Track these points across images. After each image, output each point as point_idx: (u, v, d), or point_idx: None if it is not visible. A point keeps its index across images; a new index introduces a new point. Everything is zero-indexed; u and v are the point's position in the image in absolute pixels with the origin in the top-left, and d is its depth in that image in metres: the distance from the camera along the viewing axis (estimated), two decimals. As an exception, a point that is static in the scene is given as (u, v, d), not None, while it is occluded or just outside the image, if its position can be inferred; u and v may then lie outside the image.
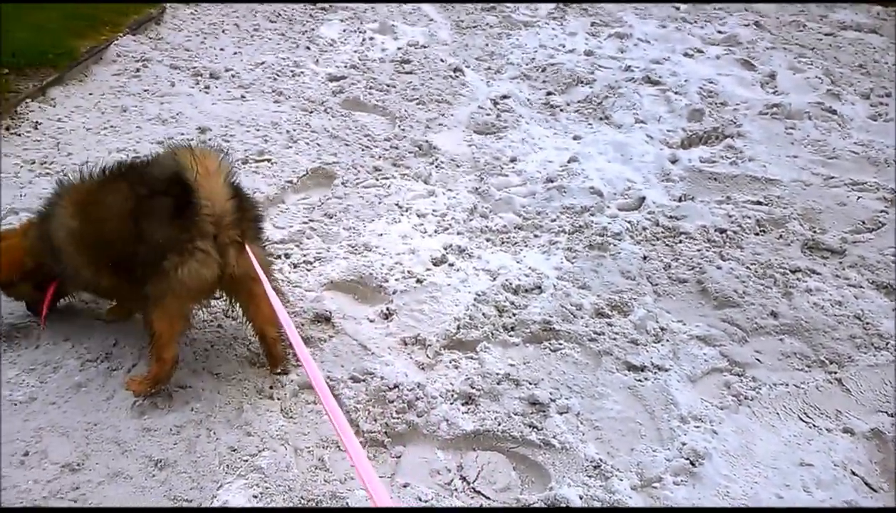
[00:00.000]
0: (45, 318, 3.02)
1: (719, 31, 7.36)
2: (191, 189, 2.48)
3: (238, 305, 2.90)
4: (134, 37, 6.10)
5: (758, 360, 3.16)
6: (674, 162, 4.76)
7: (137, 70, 5.58)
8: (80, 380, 2.83)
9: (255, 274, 2.61)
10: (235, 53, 6.15)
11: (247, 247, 2.64)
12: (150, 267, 2.58)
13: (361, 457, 1.59)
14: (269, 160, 4.56)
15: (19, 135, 4.55)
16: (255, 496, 2.41)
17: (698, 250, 3.84)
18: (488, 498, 2.49)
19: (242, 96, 5.39)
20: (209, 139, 4.68)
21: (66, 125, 4.71)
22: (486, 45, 6.86)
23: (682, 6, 8.09)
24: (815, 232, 4.01)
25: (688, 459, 2.59)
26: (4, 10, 5.96)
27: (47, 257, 2.86)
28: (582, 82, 6.02)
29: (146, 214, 2.58)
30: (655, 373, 3.01)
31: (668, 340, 3.21)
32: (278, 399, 2.84)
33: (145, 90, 5.29)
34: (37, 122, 4.69)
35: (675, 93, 5.75)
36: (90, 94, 5.18)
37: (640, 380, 2.98)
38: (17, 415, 2.67)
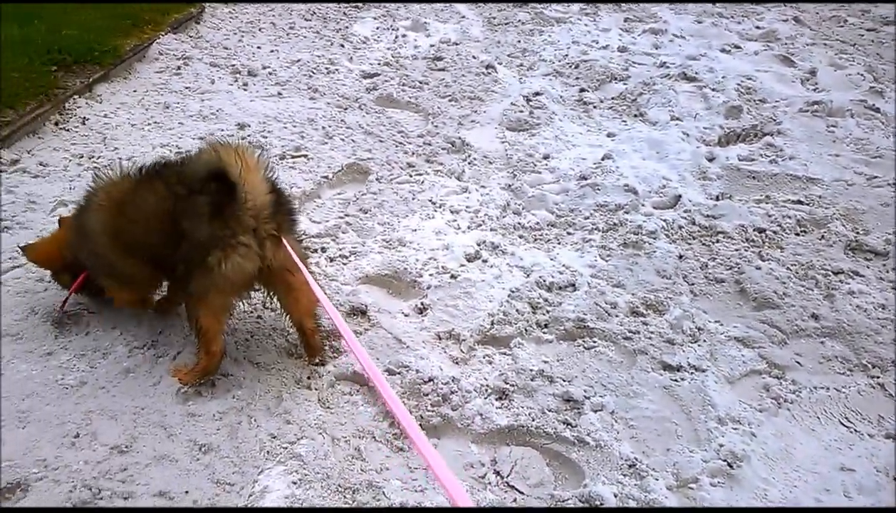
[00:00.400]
0: (65, 303, 3.16)
1: (757, 27, 7.26)
2: (234, 184, 2.54)
3: (276, 297, 2.96)
4: (175, 35, 6.23)
5: (798, 363, 3.12)
6: (711, 160, 4.71)
7: (179, 68, 5.71)
8: (129, 366, 2.92)
9: (291, 266, 2.69)
10: (272, 51, 6.24)
11: (283, 240, 2.70)
12: (193, 264, 2.64)
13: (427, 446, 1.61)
14: (305, 156, 4.62)
15: (68, 130, 4.69)
16: (294, 483, 2.46)
17: (736, 250, 3.80)
18: (522, 493, 2.50)
19: (279, 93, 5.47)
20: (248, 135, 4.76)
21: (111, 121, 4.84)
22: (519, 41, 6.86)
23: (719, 1, 7.99)
24: (857, 233, 3.94)
25: (725, 460, 2.57)
26: (54, 10, 6.14)
27: (80, 249, 2.96)
28: (616, 79, 5.99)
29: (187, 213, 2.64)
30: (692, 373, 3.00)
31: (705, 341, 3.19)
32: (316, 389, 2.89)
33: (186, 87, 5.41)
34: (84, 117, 4.82)
35: (712, 89, 5.69)
36: (134, 91, 5.31)
37: (676, 380, 2.97)
38: (69, 398, 2.77)
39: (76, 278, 3.09)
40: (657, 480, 2.50)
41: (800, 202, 4.25)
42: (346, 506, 2.41)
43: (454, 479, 1.54)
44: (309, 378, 2.93)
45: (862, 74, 6.02)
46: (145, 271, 2.92)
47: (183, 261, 2.68)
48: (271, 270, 2.73)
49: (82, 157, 4.40)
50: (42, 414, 2.70)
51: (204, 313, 2.73)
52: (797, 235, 3.97)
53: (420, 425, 2.72)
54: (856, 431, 2.79)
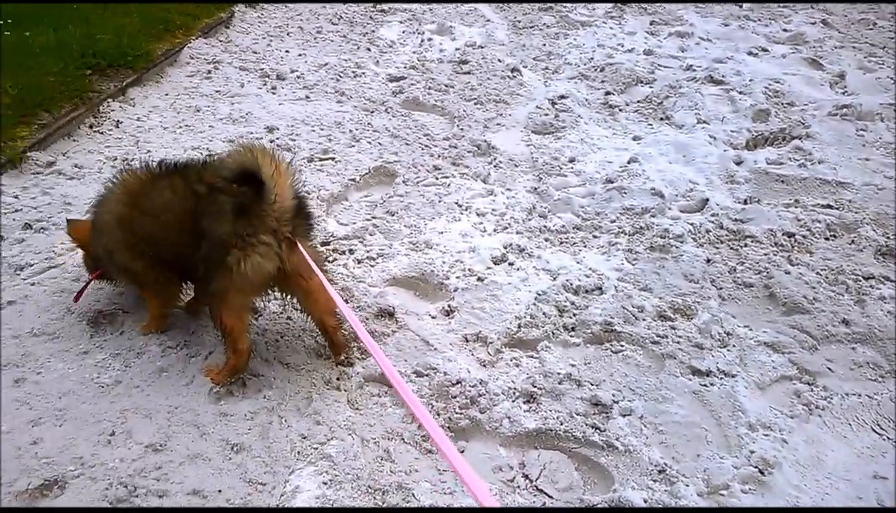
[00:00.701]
0: (82, 292, 3.22)
1: (784, 30, 7.19)
2: (265, 184, 2.59)
3: (294, 300, 3.02)
4: (205, 40, 6.33)
5: (829, 369, 3.09)
6: (739, 163, 4.68)
7: (209, 72, 5.79)
8: (162, 365, 2.98)
9: (305, 271, 2.75)
10: (300, 55, 6.31)
11: (298, 244, 2.75)
12: (213, 264, 2.70)
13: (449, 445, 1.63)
14: (332, 159, 4.67)
15: (102, 132, 4.78)
16: (325, 483, 2.49)
17: (765, 254, 3.77)
18: (551, 497, 2.51)
19: (307, 97, 5.53)
20: (277, 138, 4.82)
21: (144, 124, 4.93)
22: (544, 45, 6.86)
23: (746, 4, 7.93)
24: (888, 238, 3.90)
25: (756, 467, 2.56)
26: (90, 14, 6.26)
27: (96, 241, 3.05)
28: (641, 82, 5.97)
29: (207, 212, 2.70)
30: (721, 379, 2.99)
31: (734, 346, 3.17)
32: (345, 391, 2.92)
33: (217, 91, 5.48)
34: (118, 120, 4.92)
35: (740, 92, 5.66)
36: (166, 94, 5.40)
37: (705, 385, 2.96)
38: (105, 397, 2.83)
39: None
40: (687, 486, 2.49)
41: (829, 206, 4.21)
42: (374, 506, 2.43)
43: (476, 475, 1.57)
44: (338, 379, 2.97)
45: (891, 78, 5.95)
46: (155, 273, 2.99)
47: (203, 260, 2.74)
48: (287, 274, 2.78)
49: (116, 159, 4.49)
50: (78, 412, 2.76)
51: (226, 313, 2.78)
52: (827, 239, 3.94)
53: (448, 427, 2.75)
54: (888, 438, 2.76)
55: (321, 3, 7.53)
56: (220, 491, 2.48)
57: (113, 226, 2.95)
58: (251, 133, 4.87)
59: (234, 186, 2.63)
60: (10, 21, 5.98)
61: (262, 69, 5.90)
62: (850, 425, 2.82)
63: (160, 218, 2.84)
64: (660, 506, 2.44)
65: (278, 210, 2.65)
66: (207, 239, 2.69)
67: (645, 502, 2.44)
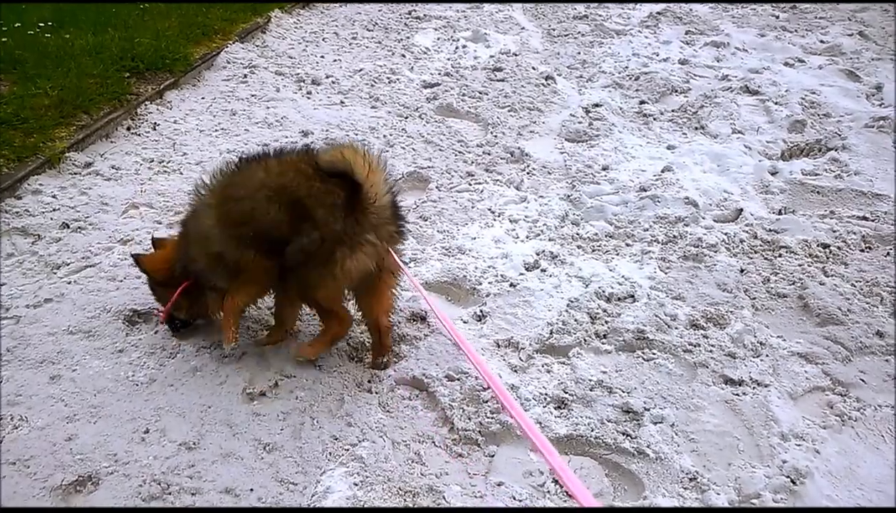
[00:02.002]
0: (167, 314, 3.14)
1: (821, 41, 7.10)
2: (360, 184, 2.64)
3: (357, 294, 3.01)
4: (242, 44, 6.45)
5: (862, 380, 3.05)
6: (774, 174, 4.63)
7: (245, 76, 5.90)
8: (196, 364, 3.04)
9: (395, 268, 2.86)
10: (335, 61, 6.39)
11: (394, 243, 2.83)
12: (316, 256, 2.70)
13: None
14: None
15: (139, 135, 4.89)
16: (356, 484, 2.51)
17: (799, 265, 3.73)
18: (581, 503, 2.50)
19: (342, 102, 5.59)
20: (311, 142, 4.88)
21: (181, 127, 5.03)
22: (578, 53, 6.86)
23: (782, 15, 7.85)
24: (925, 251, 3.83)
25: (788, 477, 2.53)
26: (130, 17, 6.41)
27: (192, 256, 2.94)
28: (676, 91, 5.94)
29: (324, 202, 2.67)
30: (754, 388, 2.95)
31: (767, 356, 3.14)
32: (376, 393, 2.94)
33: (252, 95, 5.58)
34: (155, 123, 5.03)
35: (775, 103, 5.60)
36: (202, 98, 5.51)
37: (737, 394, 2.93)
38: (139, 395, 2.88)
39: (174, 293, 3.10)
40: (718, 494, 2.47)
41: (865, 218, 4.15)
42: (405, 506, 2.45)
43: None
44: (369, 382, 2.99)
45: (930, 89, 5.83)
46: (259, 261, 2.82)
47: (303, 251, 2.71)
48: (378, 272, 2.83)
49: (153, 161, 4.58)
50: (113, 410, 2.82)
51: (324, 296, 2.87)
52: (862, 251, 3.88)
53: (479, 431, 2.75)
54: (923, 451, 2.71)
55: (358, 3, 7.59)
56: (251, 490, 2.51)
57: (212, 225, 2.83)
58: (286, 137, 4.95)
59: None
60: (50, 23, 6.15)
61: (298, 74, 5.98)
62: (883, 436, 2.77)
63: (255, 197, 2.74)
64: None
65: (378, 208, 2.71)
66: (318, 230, 2.67)
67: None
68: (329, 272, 2.70)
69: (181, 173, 4.47)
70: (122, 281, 3.53)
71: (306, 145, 3.03)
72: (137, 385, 2.94)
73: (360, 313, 3.08)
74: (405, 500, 2.47)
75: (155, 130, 4.97)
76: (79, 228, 3.92)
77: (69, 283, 3.52)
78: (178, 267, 3.03)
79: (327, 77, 5.96)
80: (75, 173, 4.41)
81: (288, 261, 2.77)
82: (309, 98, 5.62)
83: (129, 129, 4.94)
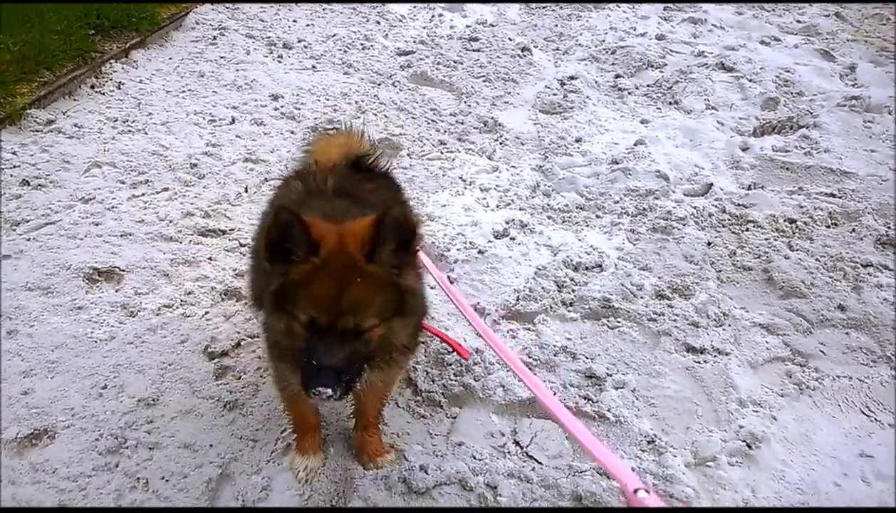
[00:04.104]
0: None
1: (798, 21, 7.14)
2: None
3: None
4: (212, 6, 6.31)
5: (822, 352, 3.09)
6: (745, 150, 4.66)
7: (214, 38, 5.77)
8: (156, 323, 2.99)
9: None
10: (308, 25, 6.27)
11: None
12: None
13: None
14: (337, 130, 4.65)
15: (103, 93, 4.77)
16: (322, 439, 2.49)
17: (766, 239, 3.76)
18: (540, 463, 2.51)
19: (313, 67, 5.50)
20: (281, 106, 4.80)
21: (147, 86, 4.91)
22: (556, 25, 6.81)
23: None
24: (889, 228, 3.87)
25: (745, 441, 2.56)
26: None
27: None
28: (652, 66, 5.94)
29: None
30: (715, 356, 2.98)
31: (729, 326, 3.17)
32: (340, 355, 2.92)
33: (222, 57, 5.46)
34: (120, 82, 4.90)
35: (750, 80, 5.62)
36: (170, 58, 5.38)
37: (698, 362, 2.95)
38: (97, 351, 2.83)
39: None
40: (675, 456, 2.50)
41: (832, 195, 4.19)
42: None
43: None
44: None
45: (899, 72, 5.90)
46: None
47: None
48: None
49: (117, 120, 4.47)
50: (70, 365, 2.77)
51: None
52: (828, 227, 3.92)
53: (442, 394, 2.75)
54: (877, 420, 2.76)
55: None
56: (211, 446, 2.49)
57: None
58: (255, 100, 4.86)
59: None
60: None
61: (269, 37, 5.87)
62: (839, 406, 2.82)
63: None
64: (648, 474, 2.44)
65: None
66: None
67: (633, 471, 2.44)
68: None
69: (146, 133, 4.37)
70: (82, 239, 3.45)
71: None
72: (96, 342, 2.89)
73: None
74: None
75: (120, 89, 4.84)
76: (39, 185, 3.82)
77: (28, 240, 3.43)
78: None
79: (299, 41, 5.86)
80: (36, 130, 4.29)
81: None
82: (280, 62, 5.52)
83: (92, 87, 4.81)
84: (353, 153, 2.51)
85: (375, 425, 2.44)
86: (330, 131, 2.62)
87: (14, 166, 3.92)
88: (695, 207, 4.02)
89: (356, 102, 4.99)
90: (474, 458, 2.48)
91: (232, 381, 2.74)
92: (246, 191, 3.93)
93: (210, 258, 3.40)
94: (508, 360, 1.93)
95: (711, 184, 4.26)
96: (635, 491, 1.42)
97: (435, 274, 2.39)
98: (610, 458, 1.56)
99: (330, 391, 1.73)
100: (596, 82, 5.68)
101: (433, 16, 6.71)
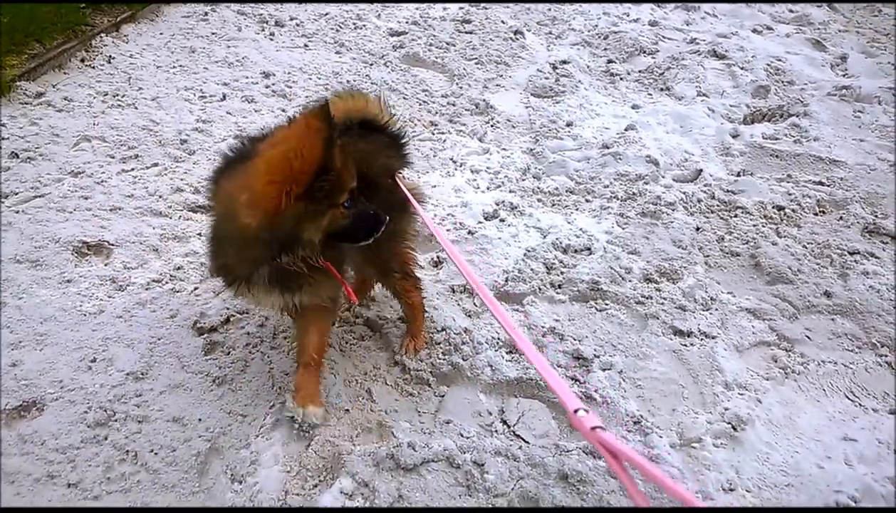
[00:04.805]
0: None
1: (790, 10, 7.15)
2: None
3: None
4: (204, -19, 6.21)
5: (807, 337, 3.13)
6: (735, 137, 4.68)
7: (206, 14, 5.70)
8: (146, 298, 2.98)
9: None
10: (300, 3, 6.21)
11: None
12: None
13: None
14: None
15: (93, 67, 4.71)
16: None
17: (754, 225, 3.79)
18: (527, 442, 2.54)
19: (305, 45, 5.46)
20: (273, 84, 4.77)
21: (137, 61, 4.86)
22: (549, 9, 6.79)
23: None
24: (876, 217, 3.92)
25: (730, 423, 2.60)
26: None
27: None
28: (644, 52, 5.93)
29: None
30: (702, 339, 3.01)
31: (716, 310, 3.20)
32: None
33: (213, 33, 5.41)
34: (110, 56, 4.84)
35: (741, 68, 5.63)
36: (161, 33, 5.32)
37: (685, 345, 2.99)
38: (86, 325, 2.82)
39: None
40: (661, 437, 2.53)
41: (821, 183, 4.22)
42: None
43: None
44: (325, 323, 2.97)
45: (892, 63, 5.92)
46: None
47: None
48: None
49: (107, 94, 4.43)
50: (59, 338, 2.76)
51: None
52: (816, 214, 3.95)
53: (431, 372, 2.76)
54: (860, 405, 2.80)
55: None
56: (200, 420, 2.50)
57: None
58: (246, 78, 4.82)
59: None
60: (5, -50, 5.84)
61: (261, 14, 5.82)
62: (824, 390, 2.86)
63: None
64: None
65: None
66: None
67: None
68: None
69: (136, 108, 4.33)
70: (71, 213, 3.43)
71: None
72: (85, 315, 2.88)
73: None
74: (356, 431, 2.49)
75: (110, 63, 4.79)
76: (28, 157, 3.78)
77: (17, 212, 3.41)
78: None
79: (291, 19, 5.81)
80: (26, 103, 4.24)
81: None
82: (271, 39, 5.48)
83: (82, 61, 4.76)
84: (359, 114, 2.58)
85: (316, 368, 2.50)
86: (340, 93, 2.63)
87: (3, 138, 3.88)
88: (684, 193, 4.04)
89: (348, 82, 4.97)
90: (462, 435, 2.51)
91: (221, 356, 2.75)
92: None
93: (199, 234, 3.38)
94: (478, 288, 2.16)
95: (701, 170, 4.28)
96: (575, 411, 1.59)
97: (424, 216, 2.59)
98: (557, 381, 1.75)
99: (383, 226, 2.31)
100: (588, 67, 5.67)
101: (426, -3, 6.68)
